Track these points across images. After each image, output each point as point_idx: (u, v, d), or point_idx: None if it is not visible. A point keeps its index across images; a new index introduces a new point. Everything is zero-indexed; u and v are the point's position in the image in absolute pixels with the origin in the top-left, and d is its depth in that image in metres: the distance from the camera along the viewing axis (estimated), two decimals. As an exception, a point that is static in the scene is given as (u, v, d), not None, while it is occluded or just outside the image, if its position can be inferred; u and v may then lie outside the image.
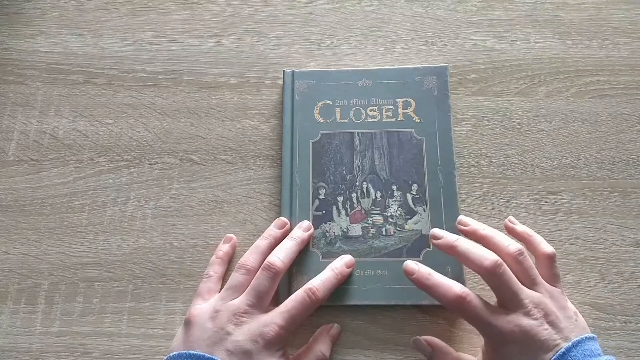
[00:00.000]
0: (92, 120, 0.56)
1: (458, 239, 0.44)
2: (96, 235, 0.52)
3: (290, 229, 0.49)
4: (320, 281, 0.45)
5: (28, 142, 0.55)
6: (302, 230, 0.48)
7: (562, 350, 0.39)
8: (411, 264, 0.44)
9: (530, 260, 0.43)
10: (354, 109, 0.54)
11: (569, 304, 0.43)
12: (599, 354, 0.40)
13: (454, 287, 0.42)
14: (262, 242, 0.48)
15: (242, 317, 0.42)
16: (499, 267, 0.41)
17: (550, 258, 0.45)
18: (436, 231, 0.45)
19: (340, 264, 0.47)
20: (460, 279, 0.47)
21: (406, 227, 0.49)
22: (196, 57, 0.58)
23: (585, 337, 0.40)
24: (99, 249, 0.52)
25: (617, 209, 0.52)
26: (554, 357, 0.39)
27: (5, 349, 0.48)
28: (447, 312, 0.48)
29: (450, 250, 0.44)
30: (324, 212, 0.50)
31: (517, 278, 0.42)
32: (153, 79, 0.58)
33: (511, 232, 0.47)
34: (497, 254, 0.43)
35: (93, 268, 0.51)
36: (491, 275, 0.42)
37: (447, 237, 0.45)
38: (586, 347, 0.40)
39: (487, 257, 0.42)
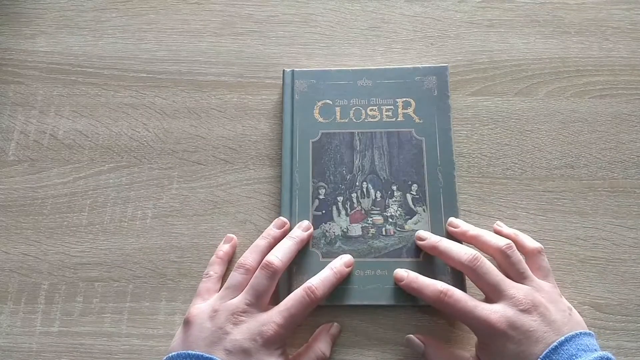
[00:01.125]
0: (92, 120, 0.56)
1: (440, 239, 0.46)
2: (96, 235, 0.52)
3: (290, 229, 0.49)
4: (319, 280, 0.45)
5: (28, 142, 0.55)
6: (301, 229, 0.48)
7: (555, 343, 0.39)
8: (401, 272, 0.46)
9: (518, 255, 0.45)
10: (354, 108, 0.54)
11: (562, 299, 0.43)
12: (595, 350, 0.40)
13: (437, 284, 0.43)
14: (261, 242, 0.48)
15: (241, 316, 0.42)
16: (476, 260, 0.43)
17: (538, 252, 0.46)
18: (421, 233, 0.48)
19: (339, 263, 0.47)
20: (459, 278, 0.47)
21: (406, 227, 0.49)
22: (196, 57, 0.58)
23: (580, 332, 0.40)
24: (99, 249, 0.52)
25: (617, 209, 0.52)
26: (547, 350, 0.39)
27: (5, 349, 0.48)
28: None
29: (433, 250, 0.46)
30: (323, 212, 0.50)
31: (506, 273, 0.44)
32: (153, 79, 0.58)
33: (499, 234, 0.49)
34: (488, 252, 0.45)
35: (93, 268, 0.51)
36: (470, 269, 0.43)
37: (431, 238, 0.47)
38: (581, 342, 0.39)
39: (465, 252, 0.44)
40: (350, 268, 0.47)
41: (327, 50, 0.58)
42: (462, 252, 0.44)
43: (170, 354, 0.42)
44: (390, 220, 0.50)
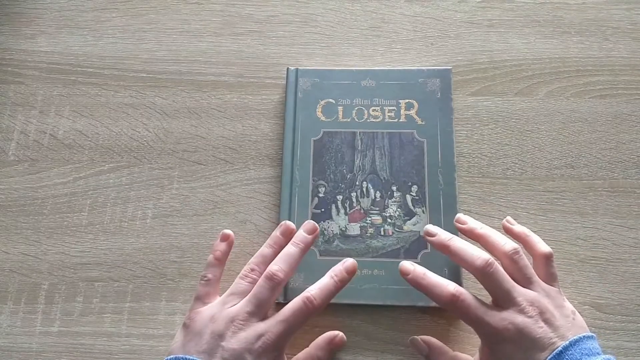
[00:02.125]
0: (92, 120, 0.56)
1: (452, 238, 0.45)
2: (96, 235, 0.52)
3: (295, 232, 0.48)
4: (318, 288, 0.43)
5: (28, 142, 0.56)
6: (306, 233, 0.47)
7: (559, 349, 0.39)
8: (407, 264, 0.44)
9: (525, 260, 0.44)
10: (356, 108, 0.54)
11: (567, 303, 0.43)
12: (597, 353, 0.40)
13: (449, 286, 0.42)
14: (267, 251, 0.46)
15: (240, 324, 0.42)
16: (490, 266, 0.42)
17: (547, 258, 0.45)
18: (430, 228, 0.46)
19: (340, 270, 0.45)
20: (457, 280, 0.47)
21: (405, 228, 0.49)
22: (196, 57, 0.58)
23: (584, 336, 0.40)
24: (99, 249, 0.52)
25: (617, 209, 0.52)
26: (551, 356, 0.39)
27: (5, 349, 0.48)
28: (446, 312, 0.48)
29: (444, 249, 0.45)
30: (323, 210, 0.50)
31: (512, 277, 0.43)
32: (153, 79, 0.58)
33: (509, 232, 0.48)
34: (493, 253, 0.44)
35: (93, 268, 0.51)
36: (483, 274, 0.42)
37: (442, 235, 0.45)
38: (584, 346, 0.39)
39: (479, 256, 0.42)
40: (352, 275, 0.45)
41: (327, 50, 0.58)
42: (476, 255, 0.43)
43: (169, 357, 0.42)
44: (389, 220, 0.50)
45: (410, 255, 0.48)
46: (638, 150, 0.53)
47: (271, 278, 0.43)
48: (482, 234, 0.45)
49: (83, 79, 0.58)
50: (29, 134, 0.56)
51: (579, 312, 0.44)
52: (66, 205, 0.53)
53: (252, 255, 0.47)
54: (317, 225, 0.48)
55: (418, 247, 0.49)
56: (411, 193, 0.50)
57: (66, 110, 0.57)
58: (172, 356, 0.41)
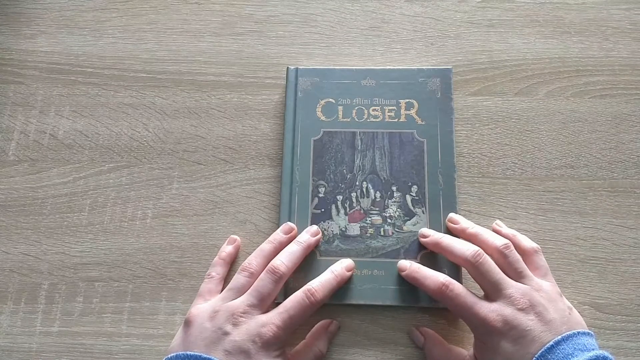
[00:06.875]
0: (92, 120, 0.56)
1: (443, 236, 0.47)
2: (96, 235, 0.52)
3: (296, 234, 0.49)
4: (319, 283, 0.45)
5: (28, 142, 0.56)
6: (309, 234, 0.48)
7: (551, 343, 0.39)
8: (405, 262, 0.47)
9: (516, 254, 0.45)
10: (356, 108, 0.54)
11: (562, 298, 0.43)
12: (592, 349, 0.39)
13: (439, 276, 0.44)
14: (266, 246, 0.47)
15: (241, 317, 0.42)
16: (480, 256, 0.43)
17: (535, 252, 0.46)
18: (424, 230, 0.48)
19: (340, 267, 0.47)
20: (457, 280, 0.47)
21: (404, 228, 0.49)
22: (196, 57, 0.58)
23: (579, 332, 0.40)
24: (99, 249, 0.52)
25: (617, 209, 0.52)
26: (543, 349, 0.39)
27: (5, 349, 0.49)
28: (446, 312, 0.48)
29: (436, 247, 0.47)
30: (322, 210, 0.50)
31: (504, 272, 0.44)
32: (153, 79, 0.58)
33: (498, 234, 0.49)
34: (485, 250, 0.45)
35: (93, 268, 0.51)
36: (472, 265, 0.43)
37: (434, 235, 0.47)
38: (578, 342, 0.39)
39: (468, 248, 0.44)
40: (351, 272, 0.47)
41: (327, 50, 0.58)
42: (465, 248, 0.44)
43: (169, 355, 0.42)
44: (389, 220, 0.50)
45: (410, 255, 0.48)
46: (638, 150, 0.53)
47: (273, 272, 0.44)
48: (474, 233, 0.47)
49: (83, 79, 0.58)
50: (29, 134, 0.56)
51: (579, 312, 0.44)
52: (66, 205, 0.53)
53: (253, 256, 0.47)
54: (319, 230, 0.49)
55: (418, 247, 0.49)
56: (411, 193, 0.50)
57: (66, 110, 0.57)
58: (173, 354, 0.41)
